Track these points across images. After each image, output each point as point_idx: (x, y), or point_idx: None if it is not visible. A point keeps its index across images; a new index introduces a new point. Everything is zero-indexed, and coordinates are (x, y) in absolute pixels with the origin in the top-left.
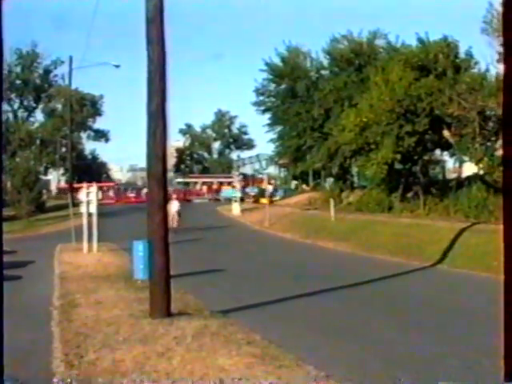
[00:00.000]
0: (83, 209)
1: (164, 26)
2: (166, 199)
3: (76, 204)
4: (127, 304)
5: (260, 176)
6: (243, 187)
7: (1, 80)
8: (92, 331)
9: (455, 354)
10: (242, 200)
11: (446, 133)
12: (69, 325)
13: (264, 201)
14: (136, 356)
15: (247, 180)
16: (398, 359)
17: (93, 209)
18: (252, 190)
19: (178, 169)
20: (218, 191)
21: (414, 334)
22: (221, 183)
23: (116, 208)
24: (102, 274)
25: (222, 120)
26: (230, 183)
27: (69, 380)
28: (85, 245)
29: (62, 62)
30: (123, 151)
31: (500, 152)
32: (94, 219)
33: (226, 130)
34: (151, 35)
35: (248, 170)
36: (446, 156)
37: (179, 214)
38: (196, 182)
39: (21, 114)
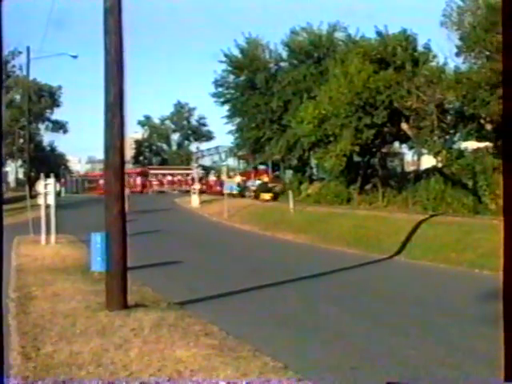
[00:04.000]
0: (41, 200)
1: (122, 16)
2: (124, 191)
3: (33, 196)
4: (84, 296)
5: (261, 167)
6: (244, 181)
7: (1, 80)
8: (49, 323)
9: (412, 344)
10: (242, 196)
11: (404, 125)
12: (25, 317)
13: (266, 196)
14: (93, 348)
15: (249, 173)
16: (356, 350)
17: (51, 200)
18: (253, 184)
19: (136, 160)
20: (221, 184)
21: (371, 325)
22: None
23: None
24: (59, 266)
25: (181, 112)
26: (231, 176)
27: (26, 373)
28: (43, 237)
29: (20, 53)
30: (82, 142)
31: (458, 144)
32: (52, 211)
33: (185, 122)
34: (109, 26)
35: (207, 161)
36: (404, 148)
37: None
38: (156, 174)
39: None
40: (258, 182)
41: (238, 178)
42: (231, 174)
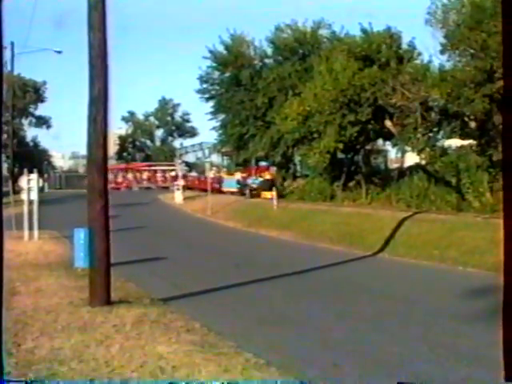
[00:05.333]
0: (24, 196)
1: (106, 11)
2: (107, 186)
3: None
4: (67, 292)
5: (263, 164)
6: (244, 178)
7: (1, 80)
8: (31, 319)
9: (394, 341)
10: (242, 194)
11: (388, 123)
12: (8, 313)
13: (268, 195)
14: (74, 344)
15: (250, 169)
16: (337, 347)
17: (34, 196)
18: (254, 182)
19: (120, 156)
20: (220, 182)
21: (354, 321)
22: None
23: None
24: (42, 262)
25: (165, 108)
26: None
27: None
28: (26, 232)
29: (4, 48)
30: (66, 138)
31: (441, 142)
32: (35, 207)
33: (169, 118)
34: (93, 21)
35: (191, 158)
36: (388, 146)
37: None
38: (138, 170)
39: None
40: (259, 180)
41: (238, 175)
42: (224, 170)
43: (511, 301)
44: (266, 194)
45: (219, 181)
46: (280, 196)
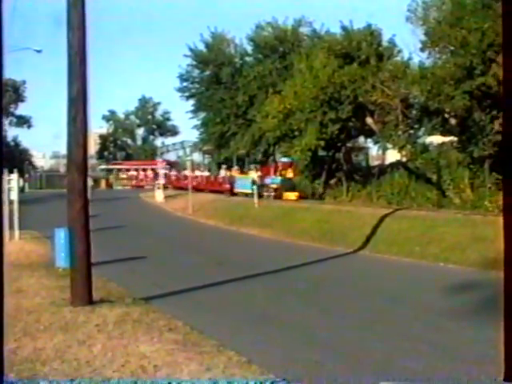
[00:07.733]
0: (4, 196)
1: (85, 10)
2: (87, 186)
3: None
4: (49, 292)
5: (284, 160)
6: (261, 177)
7: (1, 81)
8: (13, 320)
9: (377, 338)
10: (260, 195)
11: (369, 120)
12: None
13: (291, 196)
14: (57, 344)
15: (268, 167)
16: (320, 344)
17: (14, 196)
18: (273, 181)
19: (101, 155)
20: (231, 182)
21: (336, 319)
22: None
23: None
24: (23, 262)
25: (146, 106)
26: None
27: None
28: (6, 233)
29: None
30: (47, 138)
31: (422, 139)
32: (15, 207)
33: (150, 117)
34: (72, 20)
35: (172, 156)
36: (369, 143)
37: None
38: (120, 169)
39: None
40: (279, 179)
41: (254, 175)
42: (236, 168)
43: (511, 300)
44: (289, 195)
45: (230, 181)
46: (302, 197)
